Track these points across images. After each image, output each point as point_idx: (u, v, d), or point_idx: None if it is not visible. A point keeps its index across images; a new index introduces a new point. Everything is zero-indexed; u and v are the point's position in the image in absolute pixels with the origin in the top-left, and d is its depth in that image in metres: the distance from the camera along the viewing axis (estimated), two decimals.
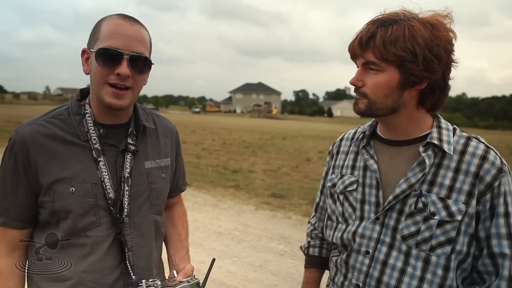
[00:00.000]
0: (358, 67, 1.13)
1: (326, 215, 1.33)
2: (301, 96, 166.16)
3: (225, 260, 4.04)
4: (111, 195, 1.09)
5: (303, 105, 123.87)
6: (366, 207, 1.17)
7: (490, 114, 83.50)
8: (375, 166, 1.17)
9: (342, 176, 1.26)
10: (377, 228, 1.13)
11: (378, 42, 1.04)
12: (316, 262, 1.43)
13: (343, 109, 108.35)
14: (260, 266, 3.97)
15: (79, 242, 1.08)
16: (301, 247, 1.50)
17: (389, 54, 1.03)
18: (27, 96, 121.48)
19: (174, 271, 1.17)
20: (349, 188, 1.22)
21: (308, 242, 1.46)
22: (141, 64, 1.08)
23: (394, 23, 1.05)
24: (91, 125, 1.10)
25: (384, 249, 1.12)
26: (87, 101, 1.15)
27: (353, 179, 1.22)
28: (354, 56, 1.13)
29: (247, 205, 6.38)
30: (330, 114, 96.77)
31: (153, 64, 1.13)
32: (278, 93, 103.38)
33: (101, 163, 1.09)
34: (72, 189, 1.05)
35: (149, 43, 1.12)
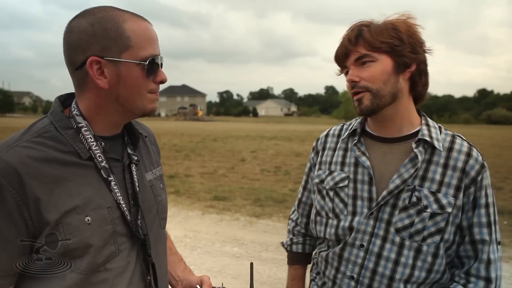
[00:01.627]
0: (347, 71, 1.19)
1: (315, 211, 1.35)
2: (226, 97, 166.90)
3: None
4: (129, 216, 0.97)
5: (228, 106, 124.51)
6: (359, 203, 1.22)
7: None
8: (368, 163, 1.21)
9: (331, 172, 1.29)
10: (371, 222, 1.19)
11: (366, 36, 1.14)
12: (300, 259, 1.47)
13: (267, 108, 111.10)
14: (219, 271, 3.91)
15: (99, 279, 0.92)
16: (282, 244, 1.52)
17: (378, 43, 1.13)
18: None
19: (198, 286, 1.11)
20: (340, 184, 1.26)
21: (291, 239, 1.49)
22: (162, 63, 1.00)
23: (373, 23, 1.17)
24: (92, 139, 0.94)
25: (378, 242, 1.17)
26: (75, 112, 0.95)
27: (343, 175, 1.26)
28: (345, 56, 1.18)
29: (192, 210, 6.24)
30: (255, 114, 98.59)
31: None
32: (202, 95, 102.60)
33: (112, 183, 0.95)
34: (88, 219, 0.89)
35: None
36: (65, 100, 1.01)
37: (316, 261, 1.37)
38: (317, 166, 1.36)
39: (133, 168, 1.02)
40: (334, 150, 1.33)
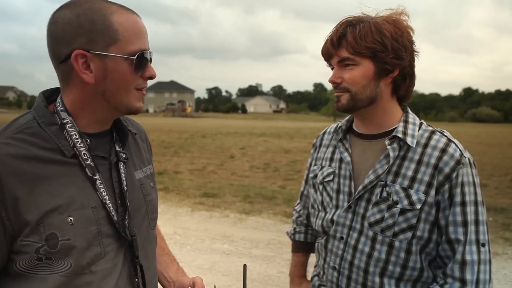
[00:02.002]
0: (333, 67, 1.21)
1: (310, 204, 1.42)
2: (214, 93, 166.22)
3: None
4: (115, 217, 0.93)
5: (217, 102, 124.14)
6: (341, 196, 1.26)
7: None
8: (348, 159, 1.26)
9: (322, 167, 1.35)
10: (350, 215, 1.23)
11: (349, 39, 1.13)
12: (302, 247, 1.54)
13: (256, 105, 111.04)
14: (209, 268, 3.90)
15: (83, 282, 0.88)
16: (287, 233, 1.60)
17: (361, 48, 1.12)
18: None
19: None
20: (327, 179, 1.31)
21: (294, 228, 1.57)
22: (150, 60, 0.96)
23: (360, 22, 1.15)
24: (76, 136, 0.90)
25: (355, 235, 1.21)
26: (59, 107, 0.92)
27: (330, 170, 1.31)
28: (328, 57, 1.21)
29: (181, 207, 6.21)
30: (244, 110, 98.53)
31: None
32: (191, 91, 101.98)
33: (98, 182, 0.91)
34: (70, 219, 0.85)
35: None
36: (50, 95, 0.97)
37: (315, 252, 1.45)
38: (313, 162, 1.42)
39: (121, 166, 0.99)
40: (327, 146, 1.37)
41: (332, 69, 1.21)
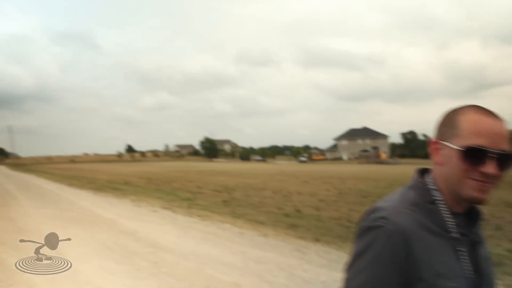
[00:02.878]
0: None
1: None
2: (410, 138, 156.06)
3: None
4: None
5: (413, 147, 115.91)
6: None
7: None
8: None
9: None
10: None
11: None
12: None
13: None
14: None
15: None
16: None
17: None
18: (152, 153, 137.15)
19: None
20: None
21: None
22: (507, 162, 1.07)
23: None
24: (448, 214, 1.11)
25: None
26: (431, 185, 1.15)
27: None
28: None
29: None
30: None
31: None
32: (384, 137, 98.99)
33: (463, 255, 1.09)
34: (453, 286, 1.05)
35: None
36: (423, 172, 1.21)
37: None
38: None
39: (478, 246, 1.15)
40: None
41: None
